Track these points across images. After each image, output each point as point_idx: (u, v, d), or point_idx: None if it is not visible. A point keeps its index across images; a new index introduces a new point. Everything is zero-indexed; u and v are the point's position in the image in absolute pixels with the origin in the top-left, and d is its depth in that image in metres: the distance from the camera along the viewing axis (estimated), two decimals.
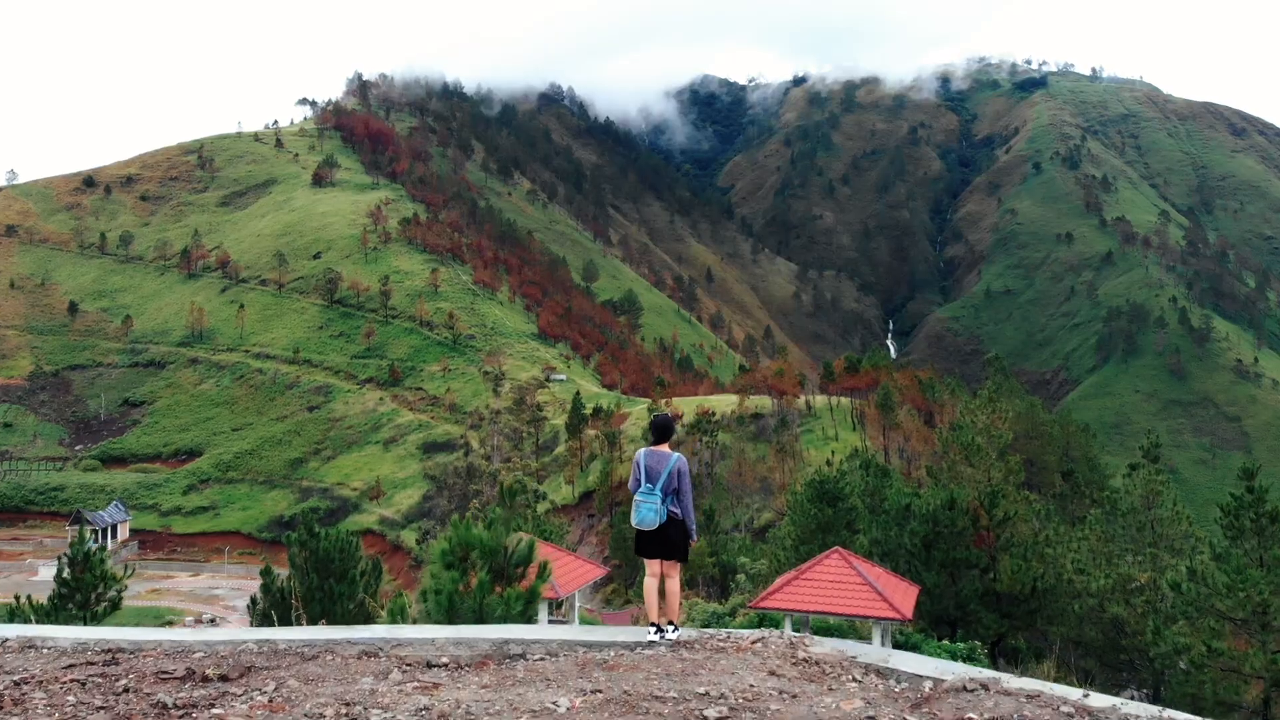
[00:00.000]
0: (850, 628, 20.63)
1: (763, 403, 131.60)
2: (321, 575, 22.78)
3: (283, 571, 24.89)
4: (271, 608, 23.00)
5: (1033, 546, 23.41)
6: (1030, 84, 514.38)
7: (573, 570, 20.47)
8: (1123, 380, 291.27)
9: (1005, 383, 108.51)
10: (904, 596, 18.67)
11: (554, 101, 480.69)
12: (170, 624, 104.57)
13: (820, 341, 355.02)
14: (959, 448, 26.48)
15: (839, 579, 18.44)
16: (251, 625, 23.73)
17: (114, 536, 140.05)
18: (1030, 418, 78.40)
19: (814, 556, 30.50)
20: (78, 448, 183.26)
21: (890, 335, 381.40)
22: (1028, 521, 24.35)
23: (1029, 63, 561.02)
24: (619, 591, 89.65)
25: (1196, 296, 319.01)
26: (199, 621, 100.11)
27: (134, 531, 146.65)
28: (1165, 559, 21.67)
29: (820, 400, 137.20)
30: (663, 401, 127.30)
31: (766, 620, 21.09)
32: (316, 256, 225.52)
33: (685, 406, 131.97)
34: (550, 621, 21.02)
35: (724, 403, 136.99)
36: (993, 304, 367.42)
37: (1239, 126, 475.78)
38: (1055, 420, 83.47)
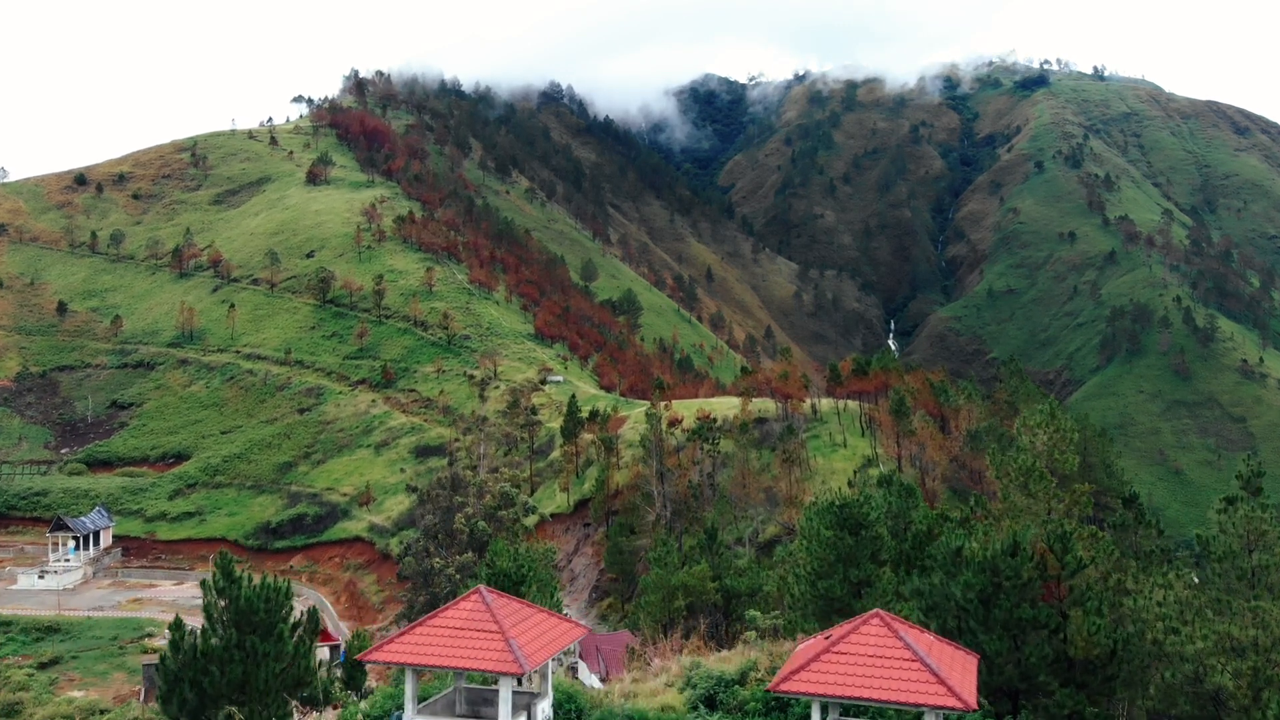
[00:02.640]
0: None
1: (766, 406, 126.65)
2: (242, 630, 18.74)
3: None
4: (183, 672, 18.92)
5: (1107, 597, 19.37)
6: (1032, 83, 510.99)
7: (545, 633, 16.46)
8: (1127, 380, 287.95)
9: (1020, 385, 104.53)
10: (963, 674, 14.65)
11: (553, 100, 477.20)
12: (149, 635, 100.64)
13: (821, 341, 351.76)
14: (1014, 473, 22.37)
15: (881, 653, 14.43)
16: (155, 702, 19.61)
17: (96, 543, 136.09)
18: None
19: (835, 594, 26.53)
20: (64, 450, 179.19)
21: (892, 335, 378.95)
22: (1099, 565, 20.36)
23: (1031, 62, 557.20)
24: (615, 606, 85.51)
25: (1200, 296, 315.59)
26: None
27: (117, 538, 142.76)
28: (1274, 614, 17.81)
29: (826, 404, 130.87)
30: (662, 404, 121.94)
31: (787, 702, 17.09)
32: (310, 255, 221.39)
33: (685, 410, 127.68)
34: (516, 694, 16.96)
35: (725, 405, 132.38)
36: (995, 303, 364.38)
37: (1242, 125, 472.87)
38: (1073, 425, 79.28)
